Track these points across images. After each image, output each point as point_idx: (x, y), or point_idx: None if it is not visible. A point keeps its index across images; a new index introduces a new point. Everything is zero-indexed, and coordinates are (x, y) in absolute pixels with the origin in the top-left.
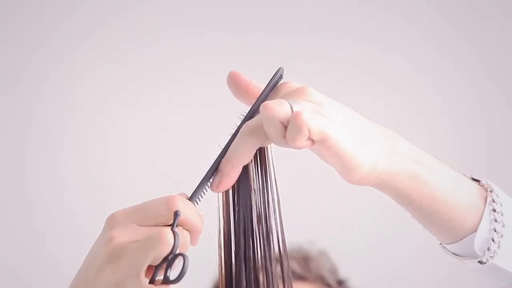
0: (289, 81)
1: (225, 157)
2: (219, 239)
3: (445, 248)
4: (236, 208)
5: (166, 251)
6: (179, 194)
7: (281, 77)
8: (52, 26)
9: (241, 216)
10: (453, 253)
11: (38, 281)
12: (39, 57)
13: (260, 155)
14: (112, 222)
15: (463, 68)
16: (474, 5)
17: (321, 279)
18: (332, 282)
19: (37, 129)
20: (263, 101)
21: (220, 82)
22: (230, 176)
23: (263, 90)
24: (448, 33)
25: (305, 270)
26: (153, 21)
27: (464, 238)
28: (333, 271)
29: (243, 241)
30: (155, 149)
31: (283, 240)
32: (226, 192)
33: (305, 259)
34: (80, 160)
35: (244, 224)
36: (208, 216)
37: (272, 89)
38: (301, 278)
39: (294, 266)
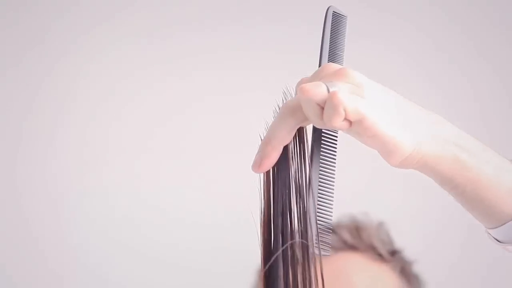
0: (330, 63)
1: (265, 138)
2: (260, 219)
3: (488, 233)
4: (275, 188)
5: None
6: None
7: (334, 15)
8: (50, 23)
9: (280, 195)
10: (496, 239)
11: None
12: (38, 53)
13: (299, 135)
14: None
15: (464, 66)
16: (473, 2)
17: (372, 249)
18: (384, 252)
19: (34, 125)
20: (326, 46)
21: (222, 80)
22: (270, 157)
23: (322, 37)
24: (448, 31)
25: (356, 240)
26: (154, 17)
27: (506, 223)
28: (386, 241)
29: (280, 219)
30: (155, 148)
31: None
32: (267, 172)
33: (357, 228)
34: (78, 157)
35: (282, 203)
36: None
37: (330, 31)
38: (352, 247)
39: (346, 235)
